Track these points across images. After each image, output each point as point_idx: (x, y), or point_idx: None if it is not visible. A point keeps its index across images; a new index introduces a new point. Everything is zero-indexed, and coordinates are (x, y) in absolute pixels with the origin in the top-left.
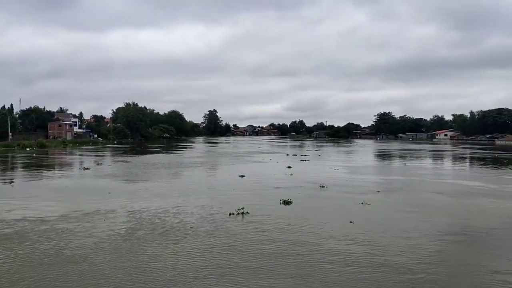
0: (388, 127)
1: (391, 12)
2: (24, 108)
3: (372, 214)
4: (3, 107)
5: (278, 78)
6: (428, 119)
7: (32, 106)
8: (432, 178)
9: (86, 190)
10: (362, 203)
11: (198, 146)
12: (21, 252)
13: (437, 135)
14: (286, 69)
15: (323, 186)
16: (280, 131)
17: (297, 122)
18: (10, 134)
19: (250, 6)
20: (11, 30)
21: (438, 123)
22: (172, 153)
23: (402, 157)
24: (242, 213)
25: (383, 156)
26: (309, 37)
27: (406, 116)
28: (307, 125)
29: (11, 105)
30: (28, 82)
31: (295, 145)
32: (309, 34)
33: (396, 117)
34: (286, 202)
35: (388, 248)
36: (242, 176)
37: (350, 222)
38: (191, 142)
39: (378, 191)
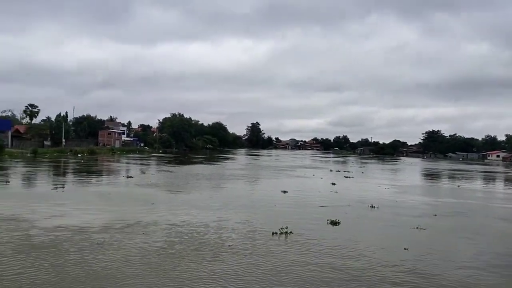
0: (436, 146)
1: (440, 29)
2: (77, 116)
3: (429, 241)
4: (59, 114)
5: (321, 93)
6: (480, 139)
7: (85, 114)
8: (491, 202)
9: (129, 199)
10: (417, 228)
11: (240, 158)
12: (50, 263)
13: (489, 156)
14: (330, 84)
15: (373, 206)
16: (323, 146)
17: (340, 137)
18: (63, 140)
19: (296, 21)
20: (69, 43)
21: (490, 144)
22: (214, 164)
23: (454, 177)
24: (286, 232)
25: (433, 176)
26: (354, 52)
27: (456, 135)
28: (351, 141)
29: (66, 112)
30: (82, 91)
31: (338, 161)
32: (355, 49)
33: (446, 135)
34: (334, 223)
35: (454, 283)
36: (285, 191)
37: (405, 248)
38: (233, 153)
39: (435, 215)
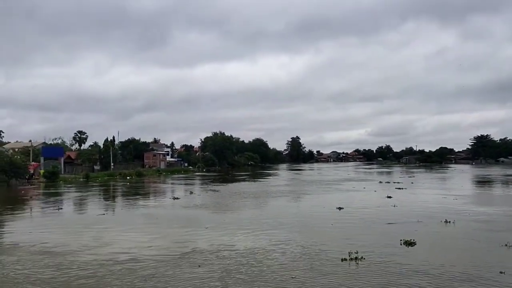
0: (487, 151)
1: (480, 32)
2: (122, 139)
3: None
4: (106, 139)
5: (361, 104)
6: None
7: (129, 138)
8: None
9: (178, 222)
10: (506, 245)
11: (283, 174)
12: None
13: None
14: (370, 94)
15: (447, 221)
16: (366, 156)
17: (383, 147)
18: (112, 164)
19: (331, 34)
20: (113, 71)
21: None
22: (258, 181)
23: None
24: (356, 258)
25: (492, 182)
26: (393, 61)
27: (507, 138)
28: (394, 150)
29: (113, 137)
30: (126, 116)
31: (384, 172)
32: (393, 58)
33: (496, 139)
34: (408, 243)
35: None
36: (340, 208)
37: (500, 272)
38: (275, 169)
39: None
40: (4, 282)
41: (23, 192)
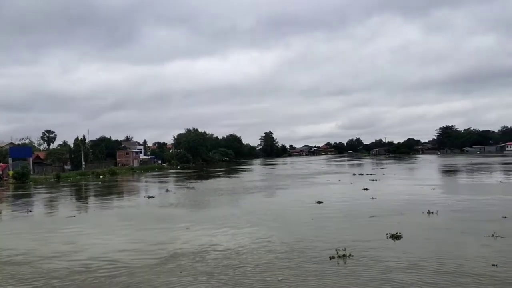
0: (452, 141)
1: (444, 25)
2: (92, 138)
3: None
4: (76, 138)
5: (331, 97)
6: (496, 131)
7: (100, 136)
8: None
9: (156, 222)
10: (493, 236)
11: (258, 169)
12: None
13: (507, 147)
14: (339, 88)
15: (430, 212)
16: (337, 150)
17: (354, 140)
18: (83, 163)
19: (300, 29)
20: (80, 69)
21: (508, 134)
22: (234, 177)
23: (486, 171)
24: (344, 255)
25: (459, 171)
26: (360, 55)
27: (471, 128)
28: (364, 143)
29: (84, 136)
30: (95, 114)
31: (355, 164)
32: (360, 52)
33: (460, 130)
34: (395, 237)
35: None
36: (320, 202)
37: (493, 265)
38: (250, 164)
39: (505, 217)
40: None
41: None
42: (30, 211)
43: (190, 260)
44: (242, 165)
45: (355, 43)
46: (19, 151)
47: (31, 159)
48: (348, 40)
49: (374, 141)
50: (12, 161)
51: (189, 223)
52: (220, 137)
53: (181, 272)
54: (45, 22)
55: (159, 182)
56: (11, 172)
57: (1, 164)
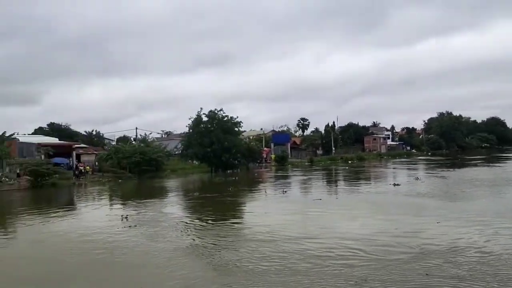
0: None
1: None
2: (341, 124)
3: None
4: (327, 125)
5: None
6: None
7: (348, 123)
8: None
9: (400, 211)
10: None
11: None
12: None
13: None
14: None
15: None
16: None
17: None
18: (333, 148)
19: None
20: (331, 57)
21: None
22: (495, 166)
23: None
24: None
25: None
26: None
27: None
28: None
29: (333, 122)
30: (344, 101)
31: None
32: None
33: None
34: None
35: None
36: None
37: None
38: None
39: None
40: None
41: (257, 174)
42: (285, 192)
43: (439, 260)
44: (506, 153)
45: None
46: (279, 137)
47: (289, 144)
48: None
49: None
50: (274, 146)
51: (437, 216)
52: (478, 121)
53: (426, 274)
54: (300, 19)
55: (407, 169)
56: (273, 156)
57: (265, 148)
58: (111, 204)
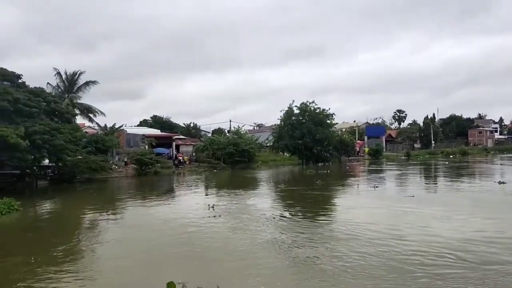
0: None
1: None
2: (442, 117)
3: None
4: (426, 117)
5: None
6: None
7: (450, 115)
8: None
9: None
10: None
11: None
12: None
13: None
14: None
15: None
16: None
17: None
18: (433, 142)
19: None
20: (431, 46)
21: None
22: None
23: None
24: None
25: None
26: None
27: None
28: None
29: (433, 114)
30: (445, 92)
31: None
32: None
33: None
34: None
35: None
36: None
37: None
38: None
39: None
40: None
41: (349, 167)
42: (377, 187)
43: None
44: None
45: None
46: (374, 130)
47: (383, 137)
48: None
49: None
50: (368, 139)
51: None
52: None
53: None
54: (395, 6)
55: None
56: (366, 149)
57: (358, 141)
58: (203, 193)
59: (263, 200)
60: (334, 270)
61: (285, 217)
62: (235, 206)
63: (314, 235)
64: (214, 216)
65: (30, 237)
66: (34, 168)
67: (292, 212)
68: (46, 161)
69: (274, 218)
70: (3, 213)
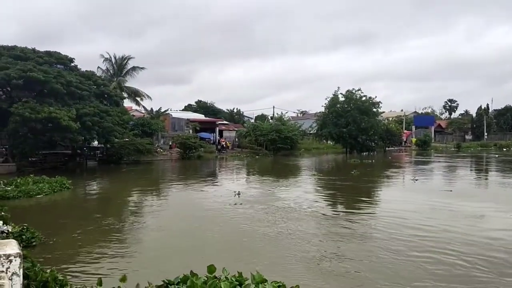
0: None
1: None
2: (496, 107)
3: None
4: (479, 107)
5: None
6: None
7: (506, 105)
8: None
9: None
10: None
11: None
12: None
13: None
14: None
15: None
16: None
17: None
18: (485, 133)
19: None
20: (488, 32)
21: None
22: None
23: None
24: None
25: None
26: None
27: None
28: None
29: (487, 105)
30: (501, 81)
31: None
32: None
33: None
34: None
35: None
36: None
37: None
38: None
39: None
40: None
41: (394, 158)
42: (416, 180)
43: None
44: None
45: None
46: (422, 120)
47: (432, 128)
48: None
49: None
50: (415, 129)
51: None
52: None
53: None
54: None
55: None
56: (414, 139)
57: (405, 131)
58: (240, 179)
59: (297, 189)
60: (354, 274)
61: (311, 208)
62: (265, 194)
63: (333, 229)
64: (235, 204)
65: (79, 213)
66: (84, 148)
67: (320, 204)
68: (95, 143)
69: (300, 209)
70: (55, 191)
